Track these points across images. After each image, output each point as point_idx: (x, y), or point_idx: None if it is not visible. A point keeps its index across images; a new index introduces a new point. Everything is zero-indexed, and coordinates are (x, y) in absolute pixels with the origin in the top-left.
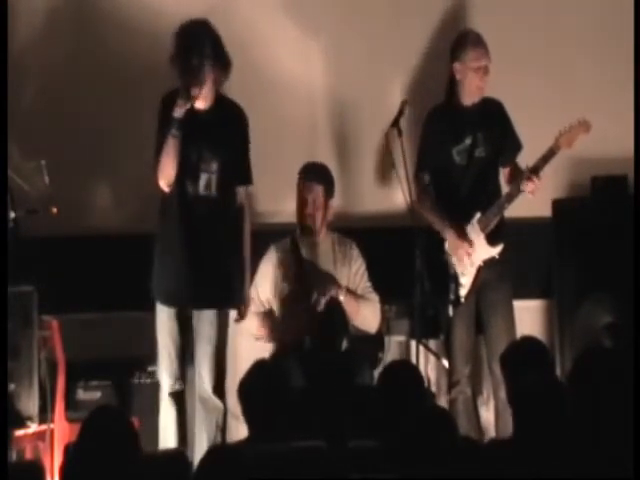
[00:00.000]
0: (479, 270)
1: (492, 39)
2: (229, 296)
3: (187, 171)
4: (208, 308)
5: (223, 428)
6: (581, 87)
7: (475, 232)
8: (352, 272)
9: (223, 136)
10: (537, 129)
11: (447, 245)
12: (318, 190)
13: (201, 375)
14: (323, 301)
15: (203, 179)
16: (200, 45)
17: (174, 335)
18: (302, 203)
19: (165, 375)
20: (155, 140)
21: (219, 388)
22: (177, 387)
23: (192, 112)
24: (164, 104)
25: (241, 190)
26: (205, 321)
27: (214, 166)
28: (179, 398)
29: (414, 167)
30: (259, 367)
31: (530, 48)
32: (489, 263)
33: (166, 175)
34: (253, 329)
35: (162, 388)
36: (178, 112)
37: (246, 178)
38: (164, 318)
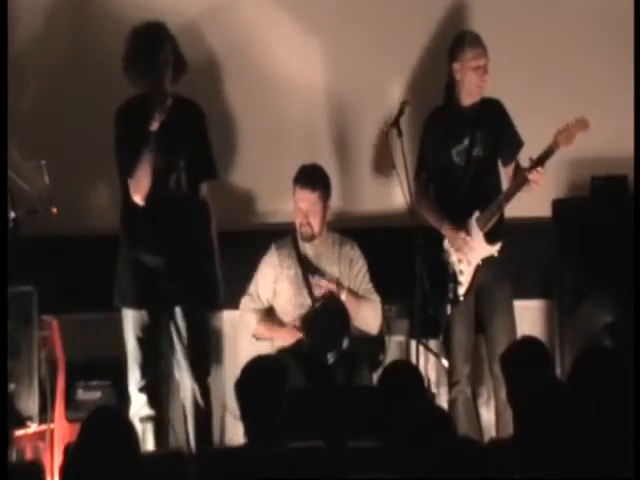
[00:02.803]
0: (477, 269)
1: (492, 38)
2: (203, 293)
3: (156, 173)
4: (185, 306)
5: (222, 427)
6: (581, 87)
7: (474, 231)
8: (353, 273)
9: (185, 135)
10: (537, 130)
11: (446, 242)
12: (312, 198)
13: (182, 373)
14: (324, 285)
15: (172, 178)
16: (163, 51)
17: (147, 340)
18: (297, 212)
19: (135, 390)
20: (120, 153)
21: (202, 385)
22: (149, 411)
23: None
24: (122, 117)
25: (204, 186)
26: (183, 319)
27: (181, 164)
28: (153, 421)
29: (414, 169)
30: (257, 365)
31: (530, 48)
32: (488, 262)
33: (143, 189)
34: (252, 326)
35: (132, 404)
36: (155, 126)
37: (210, 172)
38: (136, 323)
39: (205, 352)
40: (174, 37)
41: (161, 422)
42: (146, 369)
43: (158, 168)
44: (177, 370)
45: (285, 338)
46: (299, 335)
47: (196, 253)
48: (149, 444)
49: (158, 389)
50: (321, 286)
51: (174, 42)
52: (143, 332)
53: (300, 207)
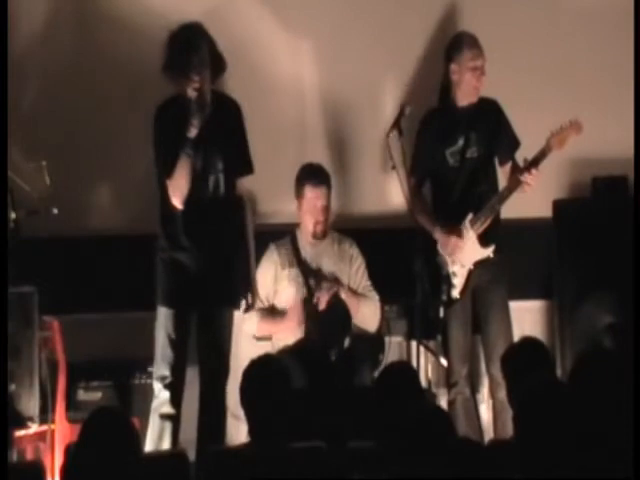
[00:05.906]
0: (471, 271)
1: (490, 39)
2: (237, 292)
3: (195, 176)
4: (218, 307)
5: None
6: (581, 87)
7: (468, 233)
8: (352, 271)
9: (224, 132)
10: (536, 131)
11: (439, 245)
12: (326, 193)
13: (206, 373)
14: (324, 299)
15: (211, 180)
16: (200, 53)
17: (178, 339)
18: (310, 211)
19: (160, 386)
20: (158, 154)
21: (220, 386)
22: (170, 410)
23: None
24: (161, 114)
25: (240, 182)
26: (212, 321)
27: (220, 165)
28: (172, 420)
29: (407, 170)
30: (260, 366)
31: (529, 48)
32: (484, 264)
33: (182, 193)
34: (253, 326)
35: (155, 399)
36: (193, 132)
37: (247, 168)
38: (169, 321)
39: (226, 354)
40: (211, 37)
41: (179, 421)
42: (174, 367)
43: (197, 172)
44: (197, 369)
45: (288, 328)
46: (302, 325)
47: (231, 253)
48: (166, 442)
49: (181, 388)
50: (322, 298)
51: (211, 41)
52: (174, 330)
53: (315, 205)
